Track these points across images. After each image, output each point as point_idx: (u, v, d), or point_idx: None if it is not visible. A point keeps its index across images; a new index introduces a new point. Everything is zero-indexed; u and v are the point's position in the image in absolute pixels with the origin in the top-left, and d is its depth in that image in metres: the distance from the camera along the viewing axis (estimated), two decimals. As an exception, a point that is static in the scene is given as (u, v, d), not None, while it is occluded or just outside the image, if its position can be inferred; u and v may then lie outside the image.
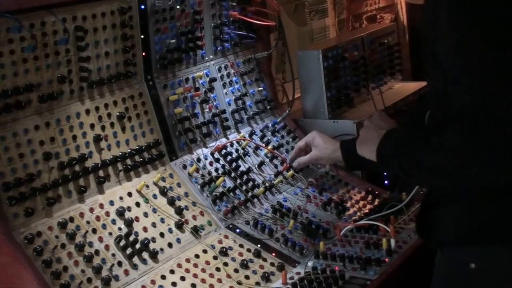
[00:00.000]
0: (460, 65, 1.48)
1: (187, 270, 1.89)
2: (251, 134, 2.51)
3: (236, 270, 1.93)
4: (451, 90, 1.51)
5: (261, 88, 2.67)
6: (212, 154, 2.32)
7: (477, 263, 1.57)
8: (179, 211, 2.06)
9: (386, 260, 1.96)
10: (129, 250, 1.86)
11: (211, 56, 2.49)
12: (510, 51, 1.42)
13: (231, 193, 2.23)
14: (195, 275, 1.88)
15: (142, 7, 2.14)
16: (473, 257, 1.58)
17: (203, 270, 1.91)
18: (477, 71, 1.45)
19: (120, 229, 1.91)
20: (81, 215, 1.87)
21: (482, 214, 1.56)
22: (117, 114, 2.07)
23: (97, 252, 1.81)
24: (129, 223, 1.93)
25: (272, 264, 1.98)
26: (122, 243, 1.86)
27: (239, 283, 1.88)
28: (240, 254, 2.00)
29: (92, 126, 2.00)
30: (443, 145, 1.50)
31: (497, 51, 1.43)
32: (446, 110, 1.55)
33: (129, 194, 2.01)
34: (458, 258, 1.62)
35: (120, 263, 1.83)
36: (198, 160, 2.27)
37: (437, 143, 1.51)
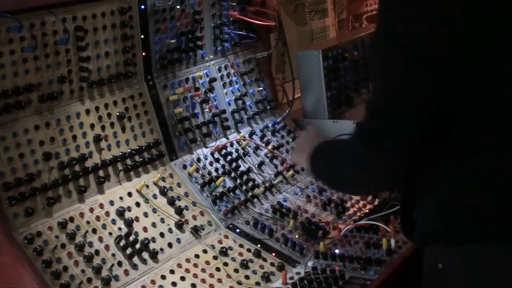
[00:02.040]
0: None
1: (187, 270, 1.89)
2: (251, 134, 2.51)
3: (236, 270, 1.93)
4: None
5: (261, 88, 2.67)
6: (212, 154, 2.32)
7: (443, 263, 1.61)
8: (179, 211, 2.06)
9: (386, 260, 1.96)
10: (129, 250, 1.86)
11: (211, 56, 2.49)
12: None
13: (231, 193, 2.23)
14: (195, 275, 1.88)
15: (142, 7, 2.14)
16: (440, 257, 1.62)
17: (203, 270, 1.91)
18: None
19: (120, 229, 1.91)
20: (81, 215, 1.87)
21: (445, 217, 1.59)
22: (117, 114, 2.07)
23: (97, 252, 1.81)
24: (129, 223, 1.93)
25: (272, 264, 1.98)
26: (122, 243, 1.86)
27: (239, 283, 1.88)
28: (240, 254, 2.00)
29: (92, 126, 2.00)
30: (343, 151, 1.71)
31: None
32: None
33: (129, 194, 2.01)
34: (429, 258, 1.66)
35: (120, 263, 1.83)
36: (198, 160, 2.27)
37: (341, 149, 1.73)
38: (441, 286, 1.63)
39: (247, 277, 1.91)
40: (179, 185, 2.15)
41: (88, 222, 1.87)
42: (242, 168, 2.34)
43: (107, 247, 1.84)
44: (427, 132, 1.53)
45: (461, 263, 1.58)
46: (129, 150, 2.08)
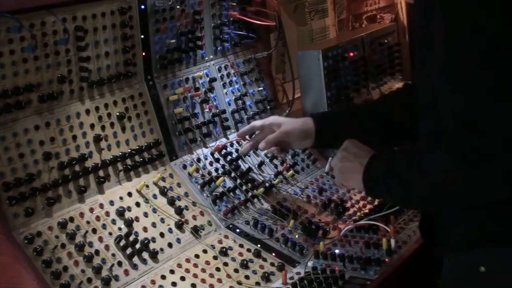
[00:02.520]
0: (444, 86, 1.51)
1: (187, 270, 1.89)
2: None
3: (236, 270, 1.93)
4: (440, 107, 1.54)
5: (261, 88, 2.67)
6: (212, 154, 2.32)
7: (486, 266, 1.57)
8: (179, 211, 2.06)
9: (386, 260, 1.96)
10: (129, 250, 1.86)
11: (211, 56, 2.49)
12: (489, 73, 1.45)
13: (231, 193, 2.23)
14: (195, 275, 1.88)
15: (142, 7, 2.14)
16: (483, 260, 1.58)
17: (203, 270, 1.91)
18: (462, 94, 1.47)
19: (120, 229, 1.91)
20: (81, 215, 1.87)
21: (490, 217, 1.56)
22: (117, 114, 2.07)
23: (97, 252, 1.81)
24: (129, 223, 1.93)
25: (272, 264, 1.98)
26: (122, 243, 1.86)
27: (239, 283, 1.88)
28: (240, 254, 2.00)
29: (92, 126, 2.00)
30: (429, 167, 1.54)
31: (483, 73, 1.45)
32: (433, 126, 1.58)
33: (129, 194, 2.01)
34: (467, 261, 1.62)
35: (120, 263, 1.83)
36: (198, 160, 2.27)
37: (424, 165, 1.55)
38: None
39: (247, 277, 1.91)
40: (179, 185, 2.15)
41: (88, 222, 1.87)
42: (242, 168, 2.34)
43: (107, 247, 1.84)
44: None
45: (510, 265, 1.55)
46: (129, 150, 2.08)
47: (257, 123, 2.33)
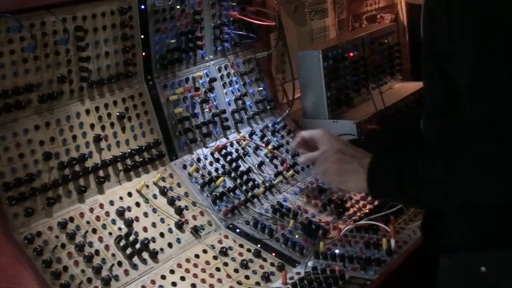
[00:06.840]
0: (475, 84, 1.46)
1: (187, 270, 1.89)
2: (251, 134, 2.51)
3: (236, 270, 1.93)
4: (467, 108, 1.50)
5: (261, 88, 2.67)
6: (212, 154, 2.32)
7: (487, 267, 1.57)
8: (179, 211, 2.06)
9: (386, 260, 1.96)
10: (129, 250, 1.86)
11: (211, 56, 2.49)
12: None
13: (231, 193, 2.23)
14: (195, 275, 1.88)
15: (142, 7, 2.15)
16: (484, 261, 1.58)
17: (203, 270, 1.91)
18: (492, 89, 1.43)
19: (120, 229, 1.91)
20: (81, 215, 1.87)
21: (491, 219, 1.56)
22: (117, 114, 2.07)
23: (97, 252, 1.81)
24: (129, 223, 1.93)
25: (272, 264, 1.98)
26: (122, 243, 1.86)
27: (239, 283, 1.88)
28: (240, 254, 2.00)
29: (92, 126, 2.00)
30: (464, 165, 1.48)
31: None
32: (457, 127, 1.54)
33: (129, 194, 2.02)
34: (468, 263, 1.61)
35: (120, 263, 1.83)
36: (198, 160, 2.27)
37: (457, 163, 1.49)
38: None
39: (247, 277, 1.91)
40: (179, 185, 2.15)
41: (88, 222, 1.87)
42: (242, 168, 2.34)
43: (107, 247, 1.84)
44: None
45: (511, 265, 1.55)
46: (129, 150, 2.08)
47: (306, 134, 2.16)
